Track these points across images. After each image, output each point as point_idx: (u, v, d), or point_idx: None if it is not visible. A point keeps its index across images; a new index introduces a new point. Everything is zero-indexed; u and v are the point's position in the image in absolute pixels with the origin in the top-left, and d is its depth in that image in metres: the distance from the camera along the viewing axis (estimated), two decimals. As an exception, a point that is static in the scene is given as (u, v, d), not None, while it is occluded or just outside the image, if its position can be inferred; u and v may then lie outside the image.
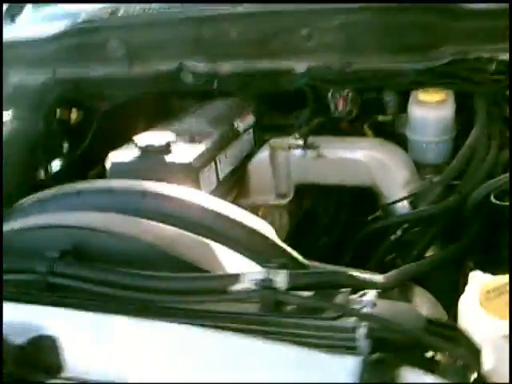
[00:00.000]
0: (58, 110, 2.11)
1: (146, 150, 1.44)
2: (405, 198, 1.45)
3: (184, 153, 1.45)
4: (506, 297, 0.69)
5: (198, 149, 1.48)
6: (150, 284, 0.83)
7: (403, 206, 1.46)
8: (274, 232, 1.12)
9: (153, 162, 1.43)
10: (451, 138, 1.58)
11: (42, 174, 1.91)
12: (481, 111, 1.55)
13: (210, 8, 1.82)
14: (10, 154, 1.84)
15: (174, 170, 1.40)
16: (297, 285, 0.79)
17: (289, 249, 1.08)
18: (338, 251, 1.58)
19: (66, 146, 2.18)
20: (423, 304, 1.02)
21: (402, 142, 1.69)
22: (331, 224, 1.65)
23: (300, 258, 1.07)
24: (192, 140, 1.53)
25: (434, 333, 0.70)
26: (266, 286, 0.78)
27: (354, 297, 0.80)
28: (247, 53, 1.84)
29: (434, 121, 1.56)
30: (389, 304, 0.78)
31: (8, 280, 0.83)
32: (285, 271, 0.79)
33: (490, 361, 0.65)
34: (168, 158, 1.42)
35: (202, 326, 0.72)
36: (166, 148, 1.44)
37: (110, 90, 2.03)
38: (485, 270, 1.39)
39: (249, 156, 1.68)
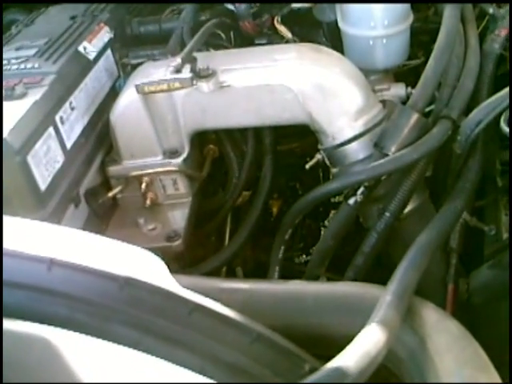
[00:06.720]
0: None
1: None
2: (359, 136, 0.94)
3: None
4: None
5: (19, 109, 0.88)
6: None
7: (359, 148, 0.95)
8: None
9: None
10: (408, 28, 1.05)
11: None
12: None
13: None
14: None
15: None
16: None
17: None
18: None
19: None
20: None
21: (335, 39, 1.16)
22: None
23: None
24: (10, 94, 0.92)
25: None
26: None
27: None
28: None
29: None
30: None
31: None
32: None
33: None
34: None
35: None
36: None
37: None
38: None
39: (112, 95, 1.09)
